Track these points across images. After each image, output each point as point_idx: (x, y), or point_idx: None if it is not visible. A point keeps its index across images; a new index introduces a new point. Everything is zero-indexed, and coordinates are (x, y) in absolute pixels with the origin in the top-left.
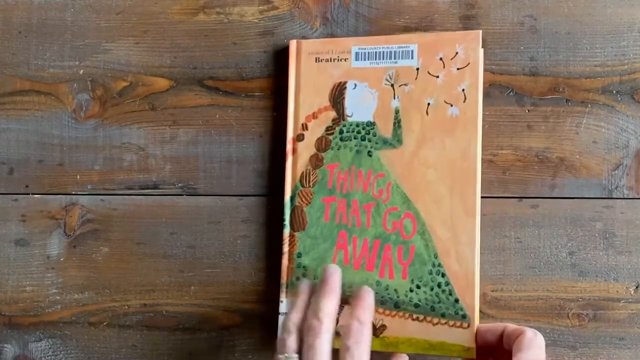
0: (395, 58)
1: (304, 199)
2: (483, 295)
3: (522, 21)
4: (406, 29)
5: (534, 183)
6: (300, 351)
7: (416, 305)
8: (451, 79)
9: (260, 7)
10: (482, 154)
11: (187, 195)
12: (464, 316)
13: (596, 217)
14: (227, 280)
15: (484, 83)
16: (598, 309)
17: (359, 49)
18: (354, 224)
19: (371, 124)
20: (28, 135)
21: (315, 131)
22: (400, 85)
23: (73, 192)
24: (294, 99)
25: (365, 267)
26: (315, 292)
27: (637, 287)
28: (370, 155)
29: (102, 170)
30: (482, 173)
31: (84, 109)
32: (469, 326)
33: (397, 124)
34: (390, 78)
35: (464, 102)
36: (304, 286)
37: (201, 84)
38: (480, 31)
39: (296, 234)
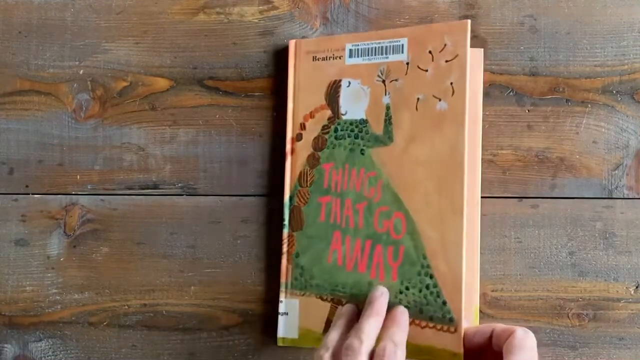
0: (386, 53)
1: (301, 199)
2: (483, 295)
3: (522, 21)
4: None
5: (534, 183)
6: None
7: (405, 307)
8: (440, 72)
9: (260, 7)
10: (482, 154)
11: (187, 195)
12: (451, 320)
13: (596, 217)
14: (227, 280)
15: (484, 83)
16: (598, 309)
17: (352, 45)
18: (348, 223)
19: (364, 122)
20: (28, 135)
21: (313, 130)
22: (391, 81)
23: (73, 192)
24: (293, 99)
25: (358, 267)
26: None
27: (637, 287)
28: (362, 154)
29: (102, 170)
30: (482, 173)
31: (84, 109)
32: (455, 330)
33: (388, 120)
34: (382, 74)
35: (452, 96)
36: (347, 309)
37: (201, 84)
38: (469, 21)
39: (294, 234)
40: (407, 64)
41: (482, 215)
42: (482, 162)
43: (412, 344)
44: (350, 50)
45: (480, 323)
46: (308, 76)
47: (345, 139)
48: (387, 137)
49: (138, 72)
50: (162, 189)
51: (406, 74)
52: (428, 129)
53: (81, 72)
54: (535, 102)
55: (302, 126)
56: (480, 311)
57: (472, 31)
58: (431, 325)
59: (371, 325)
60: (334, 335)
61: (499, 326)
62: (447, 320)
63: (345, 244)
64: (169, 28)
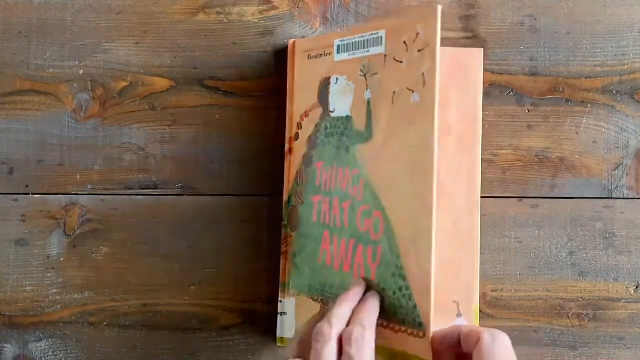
0: (367, 47)
1: (298, 199)
2: (483, 295)
3: (522, 21)
4: None
5: (534, 183)
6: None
7: (382, 310)
8: (413, 63)
9: (260, 7)
10: (482, 154)
11: (187, 195)
12: (420, 324)
13: (596, 217)
14: (227, 280)
15: (484, 83)
16: (598, 309)
17: (340, 41)
18: (335, 223)
19: (349, 119)
20: (28, 135)
21: (307, 129)
22: (372, 75)
23: (73, 192)
24: (291, 98)
25: (343, 267)
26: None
27: (637, 287)
28: (347, 151)
29: (102, 170)
30: (482, 173)
31: (84, 109)
32: (424, 335)
33: (369, 116)
34: (364, 68)
35: (423, 87)
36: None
37: (201, 84)
38: (440, 6)
39: (292, 234)
40: (385, 56)
41: (482, 215)
42: (482, 162)
43: (387, 348)
44: (338, 47)
45: (480, 323)
46: (303, 75)
47: (333, 137)
48: (368, 134)
49: (138, 72)
50: (162, 189)
51: (384, 67)
52: (403, 123)
53: (81, 72)
54: (535, 102)
55: (299, 125)
56: (480, 311)
57: (472, 31)
58: (403, 329)
59: (342, 310)
60: (305, 326)
61: (465, 329)
62: (417, 325)
63: (332, 244)
64: (169, 28)
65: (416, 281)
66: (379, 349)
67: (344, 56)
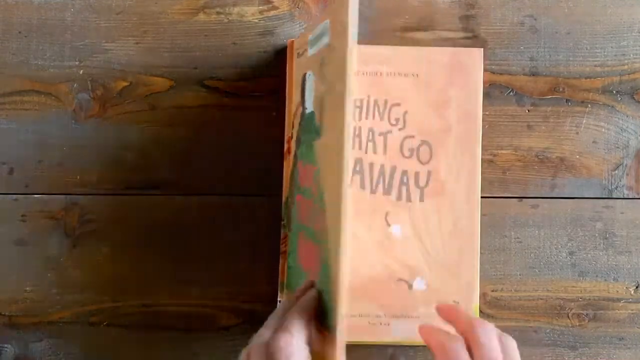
0: (321, 38)
1: (292, 199)
2: (483, 295)
3: (522, 21)
4: (406, 29)
5: (534, 183)
6: None
7: (320, 314)
8: (338, 50)
9: (260, 7)
10: (482, 154)
11: (187, 195)
12: (332, 328)
13: (596, 217)
14: (227, 280)
15: (484, 83)
16: (598, 309)
17: (311, 36)
18: (305, 222)
19: (312, 114)
20: (28, 135)
21: (296, 128)
22: (324, 67)
23: (73, 192)
24: (290, 98)
25: (305, 268)
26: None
27: (637, 287)
28: (311, 149)
29: (102, 170)
30: (482, 173)
31: (84, 109)
32: (333, 341)
33: (320, 110)
34: (321, 61)
35: (342, 73)
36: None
37: (201, 84)
38: None
39: (288, 233)
40: (330, 45)
41: (482, 215)
42: (482, 162)
43: (319, 354)
44: (310, 41)
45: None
46: (296, 73)
47: (306, 134)
48: (319, 129)
49: (138, 72)
50: (162, 189)
51: (330, 57)
52: (334, 114)
53: (81, 72)
54: (535, 102)
55: (294, 125)
56: (480, 311)
57: (472, 31)
58: (327, 333)
59: (278, 318)
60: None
61: (439, 337)
62: (333, 329)
63: (304, 244)
64: (169, 28)
65: (335, 283)
66: (314, 355)
67: (313, 50)
